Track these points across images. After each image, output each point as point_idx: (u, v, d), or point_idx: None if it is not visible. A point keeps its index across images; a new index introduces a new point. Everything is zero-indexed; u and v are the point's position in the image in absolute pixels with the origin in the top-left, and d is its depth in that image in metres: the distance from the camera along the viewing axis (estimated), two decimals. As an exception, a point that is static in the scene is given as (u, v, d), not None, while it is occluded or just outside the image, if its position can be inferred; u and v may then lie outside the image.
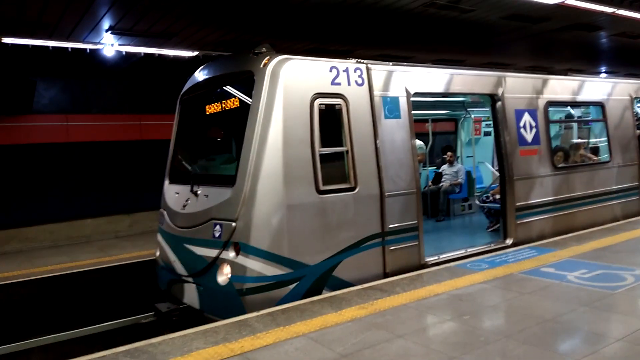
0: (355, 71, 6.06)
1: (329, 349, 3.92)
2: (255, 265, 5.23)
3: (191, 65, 9.69)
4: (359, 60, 6.23)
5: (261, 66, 5.61)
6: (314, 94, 5.66)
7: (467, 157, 12.30)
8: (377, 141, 6.09)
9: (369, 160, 6.01)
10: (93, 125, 11.88)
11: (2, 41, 7.86)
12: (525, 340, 3.92)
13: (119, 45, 8.48)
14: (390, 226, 6.14)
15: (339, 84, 5.89)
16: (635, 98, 9.97)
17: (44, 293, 7.64)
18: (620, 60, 14.89)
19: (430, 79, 6.92)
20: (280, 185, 5.34)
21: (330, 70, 5.86)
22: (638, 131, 10.48)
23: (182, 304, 6.15)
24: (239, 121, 5.80)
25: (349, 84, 5.97)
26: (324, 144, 5.66)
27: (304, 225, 5.46)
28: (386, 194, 6.10)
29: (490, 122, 12.45)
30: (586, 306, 4.59)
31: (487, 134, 12.53)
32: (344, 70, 5.96)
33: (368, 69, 6.18)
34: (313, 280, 5.48)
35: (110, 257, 9.00)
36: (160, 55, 9.34)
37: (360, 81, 6.09)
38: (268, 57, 5.67)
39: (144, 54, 9.22)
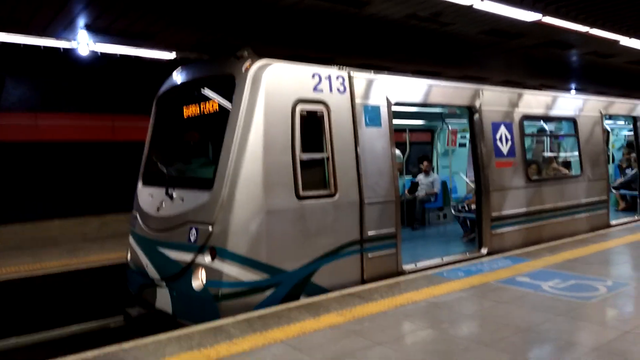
0: (337, 78, 6.06)
1: (307, 355, 3.86)
2: (232, 271, 5.14)
3: (168, 67, 9.54)
4: (341, 67, 6.24)
5: (243, 70, 5.55)
6: (295, 99, 5.62)
7: (443, 167, 12.48)
8: (358, 149, 6.09)
9: (349, 168, 6.00)
10: (63, 124, 11.54)
11: None
12: (503, 348, 3.94)
13: (95, 43, 8.26)
14: (369, 233, 6.13)
15: (321, 90, 5.87)
16: (605, 115, 10.30)
17: (7, 296, 7.31)
18: (590, 78, 15.42)
19: (411, 89, 6.98)
20: (259, 190, 5.27)
21: (313, 77, 5.84)
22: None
23: (153, 308, 5.99)
24: (217, 124, 5.71)
25: (330, 91, 5.96)
26: (304, 150, 5.62)
27: (282, 231, 5.39)
28: (365, 201, 6.10)
29: (465, 134, 12.78)
30: (562, 316, 4.66)
31: (462, 145, 12.73)
32: (326, 77, 5.95)
33: (350, 77, 6.19)
34: (291, 287, 5.41)
35: (77, 260, 8.70)
36: (136, 56, 9.14)
37: (342, 88, 6.08)
38: (250, 60, 5.62)
39: (120, 55, 9.02)
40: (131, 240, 6.73)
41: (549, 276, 6.11)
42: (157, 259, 5.95)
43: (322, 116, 5.84)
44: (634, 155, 12.38)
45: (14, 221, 10.37)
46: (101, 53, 8.88)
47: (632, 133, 13.93)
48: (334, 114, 5.92)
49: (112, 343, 4.26)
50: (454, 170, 12.83)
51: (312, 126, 5.76)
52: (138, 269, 6.36)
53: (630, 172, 12.37)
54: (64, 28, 7.53)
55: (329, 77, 5.97)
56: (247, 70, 5.51)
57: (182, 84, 6.68)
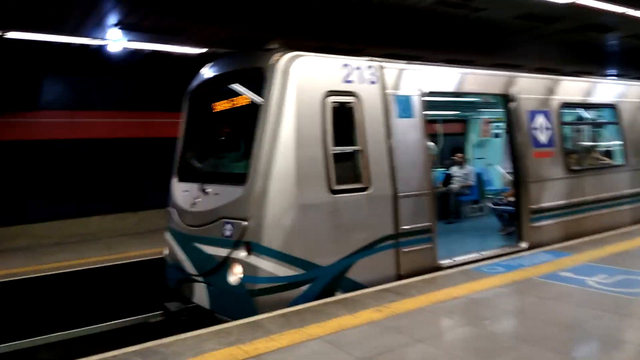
0: (368, 69, 5.94)
1: (346, 352, 3.80)
2: (267, 266, 5.11)
3: (198, 62, 9.57)
4: (372, 58, 6.11)
5: (272, 63, 5.49)
6: (326, 91, 5.53)
7: (477, 158, 12.18)
8: (390, 141, 5.96)
9: (381, 160, 5.89)
10: (98, 122, 11.79)
11: (6, 36, 7.75)
12: (549, 347, 3.78)
13: (127, 41, 8.36)
14: (404, 227, 6.00)
15: (351, 81, 5.77)
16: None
17: (52, 290, 7.53)
18: (631, 62, 14.75)
19: (444, 79, 6.80)
20: (292, 184, 5.22)
21: (343, 68, 5.74)
22: None
23: (191, 303, 6.04)
24: (249, 119, 5.67)
25: (361, 82, 5.85)
26: (336, 142, 5.53)
27: (316, 226, 5.34)
28: (399, 194, 5.97)
29: (499, 124, 12.43)
30: (610, 312, 4.45)
31: (496, 135, 12.39)
32: (356, 68, 5.84)
33: (381, 67, 6.06)
34: (326, 282, 5.36)
35: (117, 255, 8.90)
36: (167, 52, 9.22)
37: (373, 79, 5.96)
38: (279, 53, 5.56)
39: (151, 50, 9.12)
40: (168, 235, 6.81)
41: (594, 271, 5.86)
42: (193, 254, 5.99)
43: (353, 107, 5.74)
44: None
45: (56, 218, 10.69)
46: (132, 50, 8.98)
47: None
48: (365, 105, 5.81)
49: (152, 338, 4.31)
50: (488, 162, 12.53)
51: (343, 118, 5.66)
52: (176, 264, 6.43)
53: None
54: (95, 26, 7.64)
55: (360, 68, 5.86)
56: (276, 62, 5.45)
57: (211, 79, 6.68)
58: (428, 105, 6.53)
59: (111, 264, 8.35)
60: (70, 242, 10.25)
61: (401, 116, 6.11)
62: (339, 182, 5.48)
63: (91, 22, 7.39)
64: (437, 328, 4.34)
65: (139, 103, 12.20)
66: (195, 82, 7.05)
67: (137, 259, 8.54)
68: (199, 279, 5.89)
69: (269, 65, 5.44)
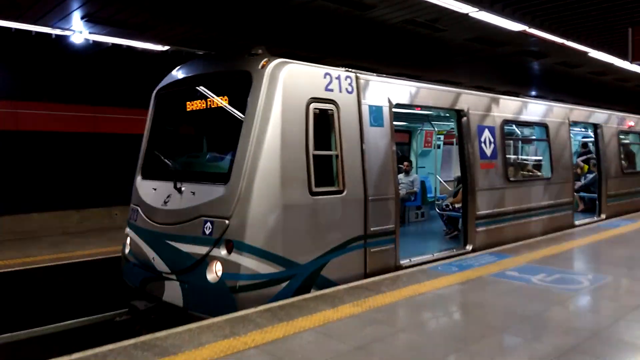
0: (346, 79, 6.32)
1: (340, 342, 4.10)
2: (250, 263, 5.29)
3: (159, 59, 9.48)
4: (348, 69, 6.49)
5: (259, 67, 5.70)
6: (309, 98, 5.83)
7: (419, 167, 13.02)
8: (363, 147, 6.37)
9: (355, 165, 6.28)
10: (44, 114, 11.17)
11: None
12: (515, 334, 4.34)
13: (89, 33, 8.13)
14: (372, 229, 6.43)
15: (332, 90, 6.11)
16: (572, 122, 11.05)
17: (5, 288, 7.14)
18: (552, 85, 16.38)
19: (410, 92, 7.33)
20: (277, 185, 5.45)
21: (325, 77, 6.07)
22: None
23: (158, 301, 6.02)
24: (229, 120, 5.83)
25: (340, 91, 6.21)
26: (317, 147, 5.84)
27: (297, 225, 5.60)
28: (369, 198, 6.39)
29: (440, 136, 13.36)
30: (558, 305, 5.13)
31: (438, 147, 13.31)
32: (336, 78, 6.20)
33: (357, 78, 6.46)
34: (304, 279, 5.62)
35: (66, 254, 8.54)
36: (128, 46, 9.03)
37: (350, 89, 6.35)
38: (266, 59, 5.77)
39: (112, 44, 8.90)
40: (131, 233, 6.72)
41: (535, 271, 6.61)
42: (165, 252, 5.99)
43: (333, 115, 6.09)
44: (593, 161, 13.34)
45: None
46: (92, 42, 8.71)
47: (587, 139, 15.05)
48: (343, 113, 6.17)
49: (118, 337, 4.34)
50: (428, 171, 13.41)
51: (324, 124, 5.99)
52: (141, 262, 6.37)
53: (590, 176, 13.28)
54: (62, 16, 7.37)
55: (339, 78, 6.22)
56: (263, 67, 5.66)
57: (187, 78, 6.72)
58: (395, 116, 7.02)
59: (61, 263, 8.01)
60: (9, 240, 9.65)
61: (372, 125, 6.54)
62: (318, 185, 5.79)
63: (59, 12, 7.12)
64: (415, 319, 4.77)
65: (90, 96, 11.70)
66: (167, 80, 7.03)
67: (87, 259, 8.25)
68: (172, 277, 5.91)
69: (258, 69, 5.64)
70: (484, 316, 4.81)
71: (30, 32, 7.96)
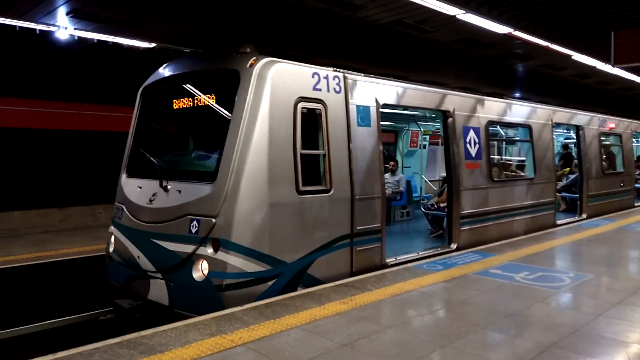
0: (334, 79, 6.35)
1: (327, 339, 4.13)
2: (236, 262, 5.29)
3: (144, 57, 9.39)
4: (336, 69, 6.53)
5: (247, 66, 5.70)
6: (297, 97, 5.85)
7: (405, 167, 13.13)
8: (351, 146, 6.41)
9: (343, 165, 6.32)
10: (25, 110, 11.00)
11: None
12: (498, 330, 4.42)
13: (74, 29, 8.02)
14: (359, 228, 6.47)
15: (319, 89, 6.14)
16: (555, 123, 11.25)
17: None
18: (536, 87, 16.62)
19: (397, 92, 7.39)
20: (264, 183, 5.46)
21: (313, 76, 6.10)
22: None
23: (143, 300, 5.99)
24: (217, 118, 5.83)
25: (328, 91, 6.24)
26: (304, 146, 5.87)
27: (284, 224, 5.62)
28: (356, 197, 6.43)
29: (426, 137, 13.48)
30: (540, 302, 5.23)
31: (423, 147, 13.42)
32: (324, 77, 6.23)
33: (345, 78, 6.50)
34: (290, 277, 5.65)
35: (48, 252, 8.44)
36: (114, 43, 8.94)
37: (337, 89, 6.38)
38: (254, 57, 5.78)
39: (97, 40, 8.80)
40: (116, 231, 6.68)
41: (517, 269, 6.72)
42: (150, 250, 5.96)
43: (321, 114, 6.12)
44: (575, 162, 13.60)
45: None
46: (77, 37, 8.60)
47: (568, 141, 15.34)
48: (330, 112, 6.21)
49: (101, 336, 4.31)
50: (414, 171, 13.53)
51: (311, 124, 6.02)
52: (126, 260, 6.33)
53: (572, 176, 13.53)
54: (48, 12, 7.26)
55: (327, 78, 6.25)
56: (252, 66, 5.67)
57: (173, 76, 6.69)
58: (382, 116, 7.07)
59: (43, 261, 7.91)
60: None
61: (360, 125, 6.59)
62: (305, 184, 5.82)
63: (44, 7, 7.01)
64: (400, 317, 4.82)
65: (74, 93, 11.54)
66: (154, 78, 6.99)
67: (70, 258, 8.16)
68: (157, 275, 5.88)
69: (246, 68, 5.64)
70: (468, 313, 4.89)
71: (14, 27, 7.82)
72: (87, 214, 11.29)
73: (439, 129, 11.09)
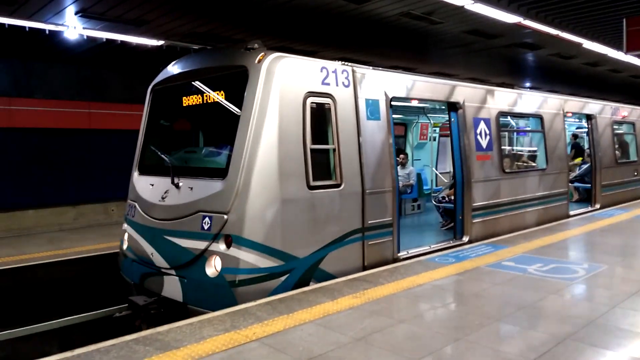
0: (342, 73, 6.33)
1: (340, 333, 4.15)
2: (249, 257, 5.32)
3: (153, 55, 9.42)
4: (344, 62, 6.50)
5: (256, 62, 5.70)
6: (306, 92, 5.84)
7: (415, 160, 13.07)
8: (360, 141, 6.40)
9: (353, 159, 6.31)
10: (38, 110, 11.11)
11: None
12: (513, 322, 4.40)
13: (83, 28, 8.07)
14: (370, 222, 6.47)
15: (328, 84, 6.12)
16: (566, 113, 11.12)
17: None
18: (546, 77, 16.44)
19: (406, 85, 7.35)
20: (275, 179, 5.47)
21: (321, 71, 6.08)
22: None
23: (157, 296, 6.05)
24: (227, 115, 5.84)
25: (337, 85, 6.23)
26: (314, 141, 5.87)
27: (295, 219, 5.63)
28: (367, 191, 6.42)
29: (436, 129, 13.40)
30: (554, 294, 5.19)
31: (433, 139, 13.36)
32: (332, 71, 6.21)
33: (354, 71, 6.48)
34: (302, 272, 5.67)
35: (63, 251, 8.55)
36: (122, 42, 8.98)
37: (346, 82, 6.36)
38: (262, 53, 5.78)
39: (106, 39, 8.85)
40: (129, 229, 6.74)
41: (530, 261, 6.68)
42: (164, 247, 6.01)
43: (330, 108, 6.11)
44: (587, 151, 13.44)
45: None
46: (86, 37, 8.65)
47: (579, 130, 15.15)
48: (339, 106, 6.19)
49: (118, 333, 4.36)
50: (424, 164, 13.47)
51: (320, 118, 6.02)
52: (140, 257, 6.39)
53: (584, 166, 13.38)
54: (57, 11, 7.31)
55: (335, 72, 6.23)
56: (260, 62, 5.66)
57: (182, 73, 6.71)
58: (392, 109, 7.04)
59: (58, 259, 8.01)
60: (4, 237, 9.63)
61: (369, 118, 6.57)
62: (315, 179, 5.82)
63: (53, 7, 7.06)
64: (413, 310, 4.82)
65: (84, 92, 11.64)
66: (163, 76, 7.02)
67: (84, 255, 8.25)
68: (171, 272, 5.94)
69: (255, 64, 5.64)
70: (481, 306, 4.87)
71: (24, 28, 7.89)
72: (100, 211, 11.41)
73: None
